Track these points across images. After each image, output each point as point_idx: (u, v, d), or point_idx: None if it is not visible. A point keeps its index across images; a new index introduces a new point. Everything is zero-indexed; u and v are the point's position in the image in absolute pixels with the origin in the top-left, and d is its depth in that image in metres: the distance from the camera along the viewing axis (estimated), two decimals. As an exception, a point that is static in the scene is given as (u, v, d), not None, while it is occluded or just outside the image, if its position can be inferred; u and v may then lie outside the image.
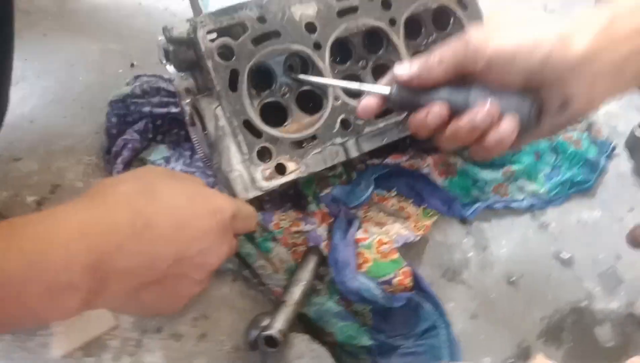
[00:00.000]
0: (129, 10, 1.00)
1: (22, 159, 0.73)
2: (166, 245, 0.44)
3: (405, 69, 0.50)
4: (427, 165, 0.71)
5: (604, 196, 0.75)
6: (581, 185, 0.75)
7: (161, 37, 0.60)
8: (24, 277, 0.37)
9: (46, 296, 0.38)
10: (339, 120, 0.62)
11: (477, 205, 0.71)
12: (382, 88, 0.53)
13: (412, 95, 0.51)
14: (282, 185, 0.60)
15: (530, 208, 0.73)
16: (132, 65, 0.88)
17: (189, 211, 0.46)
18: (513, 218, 0.72)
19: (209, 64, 0.57)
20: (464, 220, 0.71)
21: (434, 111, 0.49)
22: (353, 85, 0.57)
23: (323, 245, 0.62)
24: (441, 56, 0.48)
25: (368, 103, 0.53)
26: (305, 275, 0.60)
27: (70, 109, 0.81)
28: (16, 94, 0.77)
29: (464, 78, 0.49)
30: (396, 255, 0.62)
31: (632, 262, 0.67)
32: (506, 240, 0.69)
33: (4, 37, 0.60)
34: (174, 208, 0.45)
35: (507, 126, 0.47)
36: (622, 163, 0.80)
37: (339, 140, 0.62)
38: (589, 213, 0.73)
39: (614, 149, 0.81)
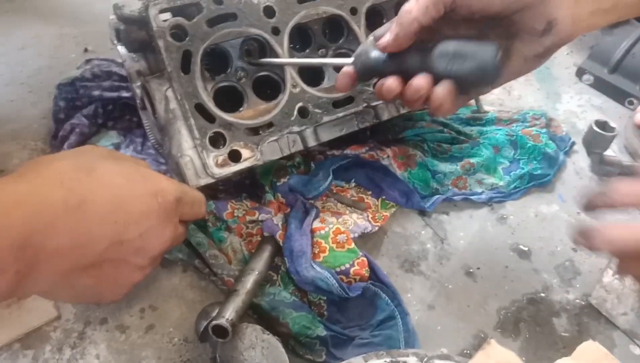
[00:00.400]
0: (87, -5, 0.97)
1: (-38, 143, 0.70)
2: (101, 224, 0.41)
3: (385, 38, 0.49)
4: (387, 156, 0.70)
5: (562, 191, 0.76)
6: (540, 179, 0.75)
7: (112, 16, 0.58)
8: None
9: None
10: (296, 107, 0.61)
11: (435, 197, 0.71)
12: (345, 60, 0.52)
13: (373, 64, 0.51)
14: (236, 173, 0.58)
15: (489, 201, 0.73)
16: (86, 50, 0.85)
17: (128, 191, 0.43)
18: (472, 211, 0.72)
19: (161, 43, 0.55)
20: (422, 212, 0.71)
21: (387, 84, 0.50)
22: (315, 60, 0.56)
23: (278, 235, 0.61)
24: (416, 16, 0.47)
25: (346, 71, 0.52)
26: (259, 264, 0.58)
27: (18, 92, 0.77)
28: (-40, 75, 0.73)
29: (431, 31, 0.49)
30: (352, 245, 0.60)
31: (588, 254, 0.68)
32: (464, 232, 0.69)
33: None
34: (111, 186, 0.42)
35: (440, 92, 0.47)
36: (580, 159, 0.81)
37: (296, 128, 0.61)
38: (547, 207, 0.73)
39: (573, 144, 0.82)
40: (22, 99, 0.77)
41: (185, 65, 0.55)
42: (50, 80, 0.79)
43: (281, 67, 0.61)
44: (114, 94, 0.68)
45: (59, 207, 0.39)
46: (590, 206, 0.47)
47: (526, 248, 0.68)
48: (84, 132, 0.66)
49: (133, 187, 0.44)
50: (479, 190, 0.73)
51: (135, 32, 0.56)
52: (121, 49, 0.60)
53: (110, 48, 0.85)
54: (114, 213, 0.42)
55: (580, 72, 0.96)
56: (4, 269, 0.37)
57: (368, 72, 0.52)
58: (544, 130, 0.79)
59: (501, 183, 0.74)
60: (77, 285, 0.42)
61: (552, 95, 0.93)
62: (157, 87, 0.56)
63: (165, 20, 0.55)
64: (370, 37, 0.52)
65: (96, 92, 0.68)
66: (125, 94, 0.68)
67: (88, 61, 0.73)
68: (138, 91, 0.59)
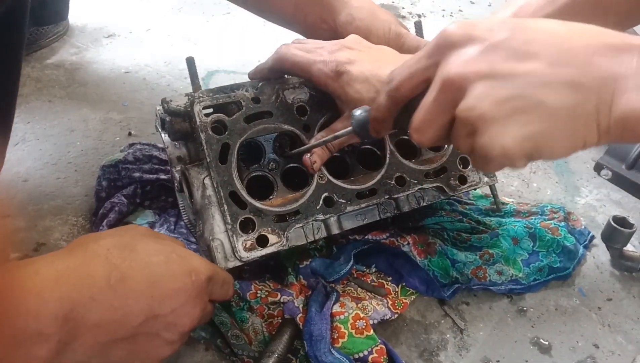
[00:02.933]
0: (134, 84, 1.06)
1: (10, 216, 0.75)
2: (139, 300, 0.44)
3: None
4: (407, 243, 0.73)
5: (583, 284, 0.76)
6: (559, 272, 0.76)
7: (159, 107, 0.64)
8: None
9: (13, 343, 0.38)
10: (322, 197, 0.65)
11: (455, 286, 0.72)
12: (347, 129, 0.55)
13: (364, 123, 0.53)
14: (262, 257, 0.61)
15: (509, 293, 0.73)
16: (130, 133, 0.92)
17: (165, 269, 0.47)
18: (491, 302, 0.72)
19: (202, 136, 0.60)
20: (442, 301, 0.71)
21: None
22: (329, 137, 0.59)
23: (299, 318, 0.62)
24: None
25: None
26: (278, 347, 0.59)
27: (64, 171, 0.84)
28: (14, 154, 0.80)
29: None
30: (371, 332, 0.61)
31: (610, 351, 0.67)
32: (484, 323, 0.69)
33: (7, 103, 0.63)
34: (149, 265, 0.46)
35: None
36: (601, 253, 0.82)
37: (321, 216, 0.64)
38: (568, 300, 0.74)
39: (592, 238, 0.83)
40: (67, 177, 0.83)
41: (223, 156, 0.60)
42: (94, 161, 0.85)
43: (301, 154, 0.65)
44: (153, 176, 0.73)
45: (102, 282, 0.43)
46: None
47: (546, 343, 0.68)
48: (123, 210, 0.71)
49: (169, 265, 0.47)
50: (499, 281, 0.74)
51: (179, 123, 0.62)
52: (164, 137, 0.66)
53: (152, 133, 0.92)
54: (151, 289, 0.45)
55: (598, 167, 0.99)
56: (47, 338, 0.39)
57: (363, 128, 0.54)
58: (562, 224, 0.81)
59: (520, 274, 0.74)
60: (111, 357, 0.45)
61: (570, 188, 0.95)
62: (196, 175, 0.60)
63: (207, 116, 0.61)
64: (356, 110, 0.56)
65: (136, 174, 0.73)
66: (163, 176, 0.73)
67: (131, 145, 0.79)
68: (177, 175, 0.64)
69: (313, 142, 0.64)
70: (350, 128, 0.54)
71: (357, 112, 0.53)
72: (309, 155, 0.63)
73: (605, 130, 0.37)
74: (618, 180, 0.96)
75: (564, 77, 0.37)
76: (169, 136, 0.64)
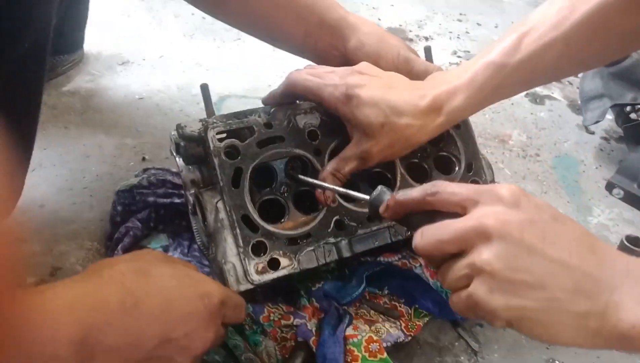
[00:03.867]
0: (147, 110, 1.09)
1: (26, 241, 0.76)
2: (153, 324, 0.45)
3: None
4: (419, 265, 0.73)
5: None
6: (573, 293, 0.75)
7: (174, 132, 0.65)
8: (11, 347, 0.38)
9: None
10: (333, 220, 0.65)
11: (469, 308, 0.71)
12: (364, 196, 0.56)
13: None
14: (274, 280, 0.61)
15: (522, 314, 0.73)
16: (144, 159, 0.94)
17: (178, 293, 0.48)
18: (505, 324, 0.72)
19: (216, 161, 0.61)
20: (456, 323, 0.71)
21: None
22: (341, 189, 0.60)
23: (312, 341, 0.62)
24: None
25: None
26: (292, 370, 0.60)
27: (80, 196, 0.85)
28: (31, 179, 0.81)
29: None
30: (385, 355, 0.61)
31: (627, 374, 0.66)
32: (498, 345, 0.69)
33: (29, 131, 0.65)
34: (163, 289, 0.47)
35: None
36: (614, 273, 0.81)
37: (332, 239, 0.65)
38: (582, 322, 0.73)
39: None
40: (82, 202, 0.84)
41: (236, 180, 0.61)
42: (109, 186, 0.86)
43: (313, 185, 0.66)
44: (167, 200, 0.75)
45: (117, 306, 0.44)
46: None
47: (562, 365, 0.67)
48: (137, 235, 0.72)
49: (183, 289, 0.48)
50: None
51: (193, 148, 0.63)
52: (179, 161, 0.67)
53: (165, 158, 0.93)
54: (165, 314, 0.46)
55: (610, 186, 0.99)
56: (64, 362, 0.40)
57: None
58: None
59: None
60: None
61: (582, 208, 0.95)
62: (209, 199, 0.61)
63: (221, 141, 0.62)
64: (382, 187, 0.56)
65: (151, 199, 0.74)
66: (177, 200, 0.75)
67: (145, 170, 0.81)
68: (191, 198, 0.65)
69: (325, 176, 0.64)
70: (366, 197, 0.55)
71: (386, 195, 0.53)
72: (321, 191, 0.63)
73: (593, 334, 0.41)
74: (630, 199, 0.96)
75: (571, 274, 0.41)
76: (183, 160, 0.65)
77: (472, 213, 0.44)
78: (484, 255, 0.42)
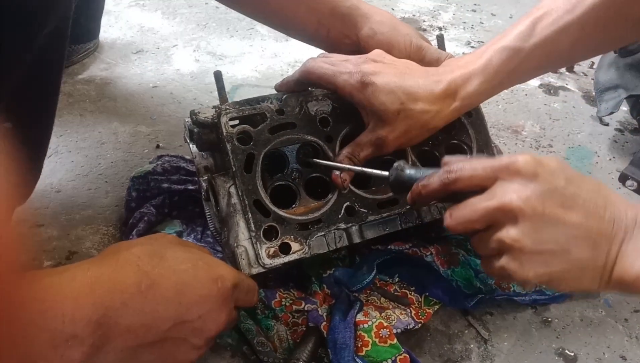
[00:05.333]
0: (161, 98, 1.10)
1: (44, 226, 0.78)
2: (168, 306, 0.46)
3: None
4: (430, 253, 0.73)
5: (608, 296, 0.75)
6: (584, 283, 0.75)
7: (188, 119, 0.66)
8: (33, 324, 0.39)
9: (50, 345, 0.40)
10: (344, 206, 0.66)
11: (479, 296, 0.72)
12: (383, 172, 0.58)
13: (406, 180, 0.56)
14: (285, 265, 0.62)
15: (533, 304, 0.73)
16: (158, 146, 0.95)
17: (192, 276, 0.48)
18: (516, 312, 0.72)
19: (228, 146, 0.62)
20: (466, 311, 0.71)
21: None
22: (357, 168, 0.61)
23: (322, 326, 0.63)
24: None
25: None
26: (303, 355, 0.60)
27: (95, 182, 0.86)
28: (48, 166, 0.83)
29: None
30: (395, 341, 0.62)
31: (638, 364, 0.66)
32: (508, 334, 0.69)
33: (47, 118, 0.66)
34: (178, 272, 0.48)
35: None
36: (626, 264, 0.81)
37: (342, 225, 0.65)
38: (593, 312, 0.73)
39: (617, 250, 0.82)
40: (98, 188, 0.86)
41: (248, 165, 0.62)
42: (124, 172, 0.88)
43: (328, 167, 0.66)
44: (181, 187, 0.75)
45: (133, 288, 0.45)
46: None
47: (572, 354, 0.67)
48: (151, 220, 0.73)
49: (197, 272, 0.49)
50: (523, 292, 0.74)
51: (206, 134, 0.64)
52: (192, 147, 0.68)
53: (179, 145, 0.95)
54: (179, 296, 0.47)
55: (623, 178, 0.98)
56: (82, 341, 0.41)
57: (400, 185, 0.57)
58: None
59: (545, 285, 0.74)
60: (140, 361, 0.46)
61: (595, 199, 0.94)
62: (222, 184, 0.62)
63: (233, 127, 0.62)
64: (400, 162, 0.58)
65: (165, 185, 0.75)
66: (190, 187, 0.75)
67: (159, 157, 0.82)
68: (204, 184, 0.66)
69: (341, 159, 0.65)
70: (385, 174, 0.57)
71: (405, 171, 0.55)
72: (338, 172, 0.64)
73: (605, 282, 0.47)
74: (644, 190, 0.95)
75: (590, 236, 0.46)
76: (196, 147, 0.66)
77: (494, 191, 0.48)
78: (512, 233, 0.46)
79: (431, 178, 0.52)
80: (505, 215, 0.47)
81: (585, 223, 0.46)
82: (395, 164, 0.57)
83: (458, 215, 0.50)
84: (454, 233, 0.54)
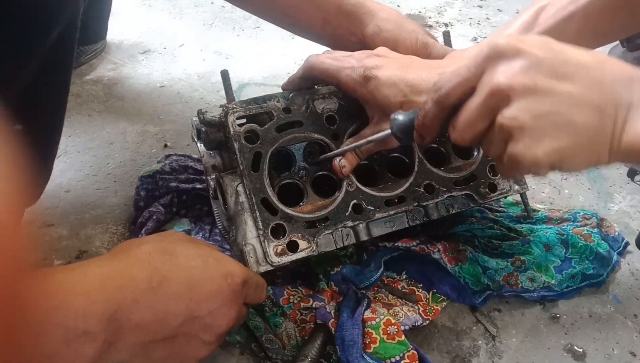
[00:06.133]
0: (168, 98, 1.10)
1: (54, 225, 0.78)
2: (179, 302, 0.46)
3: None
4: (438, 250, 0.73)
5: (617, 291, 0.75)
6: (592, 279, 0.75)
7: (195, 118, 0.67)
8: (46, 320, 0.39)
9: (63, 341, 0.40)
10: (351, 204, 0.66)
11: (487, 293, 0.72)
12: (386, 132, 0.57)
13: (408, 124, 0.54)
14: (293, 262, 0.62)
15: (541, 300, 0.73)
16: (165, 145, 0.96)
17: (202, 272, 0.49)
18: (524, 308, 0.72)
19: (236, 145, 0.62)
20: (474, 308, 0.71)
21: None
22: (362, 141, 0.61)
23: (330, 323, 0.63)
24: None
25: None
26: (311, 352, 0.61)
27: (104, 182, 0.87)
28: (57, 166, 0.84)
29: None
30: (403, 337, 0.62)
31: (647, 360, 0.66)
32: (516, 330, 0.69)
33: (57, 118, 0.67)
34: (188, 268, 0.48)
35: None
36: (635, 260, 0.80)
37: (350, 223, 0.65)
38: (602, 307, 0.73)
39: (626, 245, 0.82)
40: (107, 187, 0.86)
41: (255, 164, 0.62)
42: (132, 172, 0.89)
43: (332, 158, 0.66)
44: (189, 186, 0.76)
45: (144, 284, 0.45)
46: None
47: (581, 350, 0.67)
48: (160, 219, 0.73)
49: (207, 269, 0.50)
50: (531, 288, 0.73)
51: (214, 133, 0.64)
52: (200, 146, 0.68)
53: (186, 145, 0.95)
54: (190, 292, 0.47)
55: (632, 173, 0.97)
56: (95, 337, 0.42)
57: (404, 130, 0.56)
58: (595, 230, 0.80)
59: (553, 281, 0.74)
60: (152, 356, 0.47)
61: (603, 194, 0.94)
62: (230, 182, 0.63)
63: (240, 126, 0.63)
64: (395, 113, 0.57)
65: (173, 184, 0.76)
66: (198, 186, 0.76)
67: (167, 156, 0.82)
68: (212, 183, 0.66)
69: (350, 146, 0.65)
70: (387, 131, 0.56)
71: (400, 117, 0.54)
72: (338, 159, 0.64)
73: (615, 151, 0.43)
74: (653, 186, 0.95)
75: (592, 102, 0.42)
76: (204, 146, 0.67)
77: (482, 83, 0.45)
78: (506, 114, 0.43)
79: (425, 105, 0.50)
80: (498, 99, 0.44)
81: (584, 90, 0.42)
82: (391, 116, 0.56)
83: (459, 122, 0.47)
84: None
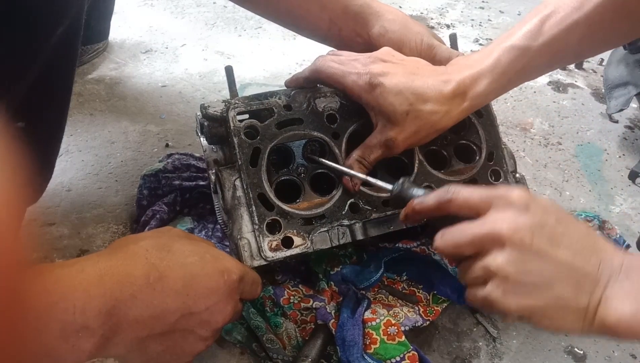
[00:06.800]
0: (170, 97, 1.10)
1: (55, 224, 0.78)
2: (176, 298, 0.47)
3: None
4: (438, 251, 0.73)
5: (618, 294, 0.75)
6: (594, 281, 0.75)
7: (199, 113, 0.67)
8: (44, 315, 0.40)
9: (61, 336, 0.40)
10: (348, 203, 0.66)
11: (487, 294, 0.72)
12: (386, 185, 0.59)
13: (405, 197, 0.57)
14: (287, 258, 0.62)
15: (542, 301, 0.73)
16: (167, 145, 0.96)
17: (200, 269, 0.49)
18: (524, 310, 0.72)
19: (235, 140, 0.62)
20: (474, 309, 0.71)
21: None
22: (362, 176, 0.62)
23: (331, 324, 0.63)
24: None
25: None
26: (312, 352, 0.61)
27: (105, 181, 0.87)
28: (58, 165, 0.84)
29: None
30: (403, 338, 0.62)
31: (648, 362, 0.66)
32: (517, 332, 0.69)
33: (60, 116, 0.67)
34: (185, 265, 0.49)
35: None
36: (636, 262, 0.80)
37: (346, 222, 0.65)
38: (603, 310, 0.72)
39: (628, 247, 0.82)
40: (108, 186, 0.86)
41: (254, 159, 0.63)
42: (134, 171, 0.89)
43: (334, 169, 0.66)
44: (192, 184, 0.76)
45: (142, 280, 0.45)
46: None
47: (581, 352, 0.67)
48: (164, 218, 0.73)
49: (204, 265, 0.50)
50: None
51: (216, 128, 0.65)
52: (203, 141, 0.68)
53: (188, 144, 0.95)
54: (187, 288, 0.48)
55: (633, 175, 0.97)
56: (93, 332, 0.42)
57: (401, 200, 0.58)
58: (597, 232, 0.80)
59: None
60: (149, 351, 0.47)
61: (604, 197, 0.94)
62: (228, 176, 0.63)
63: (241, 121, 0.63)
64: (406, 178, 0.59)
65: (176, 182, 0.76)
66: (201, 183, 0.76)
67: (169, 155, 0.82)
68: (212, 177, 0.66)
69: (350, 163, 0.65)
70: (388, 187, 0.59)
71: (409, 190, 0.57)
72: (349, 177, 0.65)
73: (589, 324, 0.46)
74: (654, 188, 0.95)
75: (576, 275, 0.46)
76: (206, 140, 0.67)
77: (487, 219, 0.49)
78: (498, 260, 0.47)
79: (428, 196, 0.54)
80: (494, 243, 0.47)
81: (571, 262, 0.46)
82: (400, 180, 0.58)
83: (448, 237, 0.50)
84: (442, 256, 0.56)
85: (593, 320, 0.46)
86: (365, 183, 0.67)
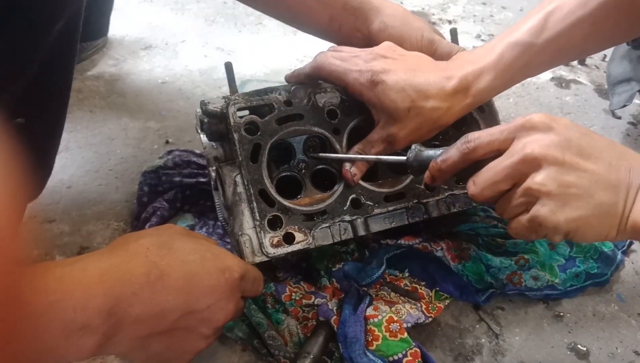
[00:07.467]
0: (170, 94, 1.10)
1: (55, 221, 0.78)
2: (177, 296, 0.46)
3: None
4: (441, 248, 0.73)
5: (621, 290, 0.75)
6: (596, 278, 0.74)
7: (199, 110, 0.66)
8: (45, 314, 0.39)
9: (62, 335, 0.40)
10: (350, 198, 0.65)
11: (490, 291, 0.71)
12: (400, 157, 0.59)
13: (425, 160, 0.57)
14: (289, 254, 0.62)
15: (545, 298, 0.72)
16: (167, 141, 0.95)
17: (200, 267, 0.49)
18: (527, 307, 0.71)
19: (235, 136, 0.62)
20: (477, 306, 0.71)
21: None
22: (371, 157, 0.61)
23: (333, 320, 0.63)
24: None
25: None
26: (314, 348, 0.60)
27: (106, 178, 0.87)
28: (58, 162, 0.83)
29: None
30: (405, 335, 0.61)
31: (651, 359, 0.65)
32: (520, 329, 0.68)
33: (59, 113, 0.66)
34: (186, 262, 0.48)
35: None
36: (639, 259, 0.80)
37: (348, 217, 0.65)
38: (606, 306, 0.72)
39: (631, 244, 0.81)
40: (108, 183, 0.86)
41: (255, 155, 0.62)
42: (134, 168, 0.88)
43: (338, 161, 0.66)
44: (192, 180, 0.76)
45: (142, 278, 0.45)
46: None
47: (584, 348, 0.66)
48: (164, 215, 0.73)
49: (204, 263, 0.49)
50: (535, 287, 0.73)
51: (216, 124, 0.64)
52: (203, 137, 0.68)
53: (188, 141, 0.95)
54: (187, 286, 0.47)
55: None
56: (94, 330, 0.42)
57: (419, 165, 0.58)
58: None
59: (557, 280, 0.73)
60: (150, 349, 0.47)
61: (607, 193, 0.93)
62: (228, 173, 0.62)
63: (241, 117, 0.63)
64: (417, 144, 0.59)
65: (177, 179, 0.76)
66: (202, 180, 0.76)
67: (170, 152, 0.82)
68: (213, 174, 0.66)
69: (351, 154, 0.65)
70: (403, 158, 0.57)
71: (423, 152, 0.56)
72: (348, 166, 0.64)
73: (623, 228, 0.48)
74: (658, 184, 0.94)
75: (610, 181, 0.48)
76: (206, 137, 0.66)
77: (514, 148, 0.49)
78: (538, 179, 0.47)
79: (449, 151, 0.53)
80: (530, 166, 0.48)
81: (604, 170, 0.48)
82: (413, 146, 0.58)
83: (481, 179, 0.50)
84: (478, 202, 0.55)
85: (626, 223, 0.48)
86: (367, 178, 0.66)
